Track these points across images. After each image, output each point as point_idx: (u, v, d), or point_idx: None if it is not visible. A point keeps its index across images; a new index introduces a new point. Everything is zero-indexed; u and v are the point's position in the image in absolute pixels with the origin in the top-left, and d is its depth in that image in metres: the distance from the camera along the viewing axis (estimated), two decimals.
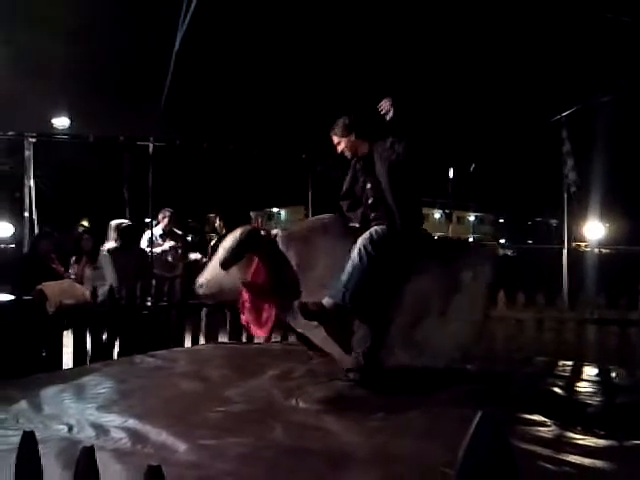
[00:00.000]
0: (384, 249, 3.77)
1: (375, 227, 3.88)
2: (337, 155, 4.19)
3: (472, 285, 3.98)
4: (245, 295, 3.74)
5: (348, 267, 3.74)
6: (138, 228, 7.61)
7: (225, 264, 3.56)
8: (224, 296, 3.72)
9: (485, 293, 4.14)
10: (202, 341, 5.96)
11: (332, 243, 3.89)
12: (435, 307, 3.88)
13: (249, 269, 3.73)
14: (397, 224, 3.88)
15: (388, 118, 3.90)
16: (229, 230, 7.57)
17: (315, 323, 3.75)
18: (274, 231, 3.97)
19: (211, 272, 3.63)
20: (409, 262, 3.90)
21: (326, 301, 3.70)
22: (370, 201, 4.07)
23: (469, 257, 4.19)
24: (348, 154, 4.14)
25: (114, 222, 7.19)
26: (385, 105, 3.92)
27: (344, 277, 3.73)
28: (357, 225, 4.09)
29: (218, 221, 7.82)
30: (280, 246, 3.84)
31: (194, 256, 7.91)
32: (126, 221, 7.34)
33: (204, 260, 7.63)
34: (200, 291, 3.60)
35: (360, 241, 3.78)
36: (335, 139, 4.14)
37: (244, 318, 3.78)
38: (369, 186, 4.06)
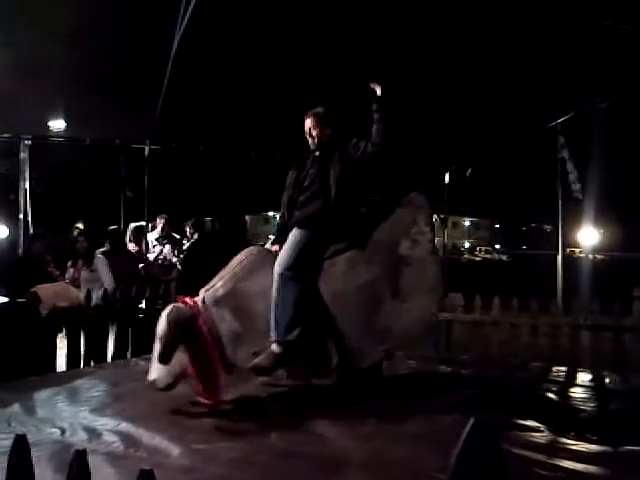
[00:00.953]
0: (299, 268, 3.71)
1: (284, 250, 3.82)
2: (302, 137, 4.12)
3: (414, 253, 3.85)
4: (193, 370, 3.66)
5: (275, 304, 3.68)
6: (141, 230, 7.61)
7: (164, 360, 3.50)
8: (181, 378, 3.65)
9: (432, 255, 3.92)
10: None
11: (260, 281, 3.77)
12: (385, 293, 3.79)
13: (188, 348, 3.64)
14: (312, 228, 3.83)
15: (377, 94, 3.86)
16: (224, 232, 7.59)
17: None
18: (200, 295, 3.78)
19: (157, 367, 3.54)
20: (337, 262, 3.85)
21: (274, 348, 3.65)
22: (304, 197, 3.97)
23: (400, 224, 3.96)
24: (313, 143, 4.06)
25: (132, 225, 7.22)
26: (376, 85, 3.90)
27: (277, 315, 3.67)
28: (275, 248, 4.01)
29: (189, 229, 7.78)
30: (210, 312, 3.68)
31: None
32: (143, 223, 7.37)
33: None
34: (160, 387, 3.53)
35: (275, 274, 3.71)
36: (309, 122, 4.06)
37: (197, 389, 3.70)
38: (307, 183, 3.98)
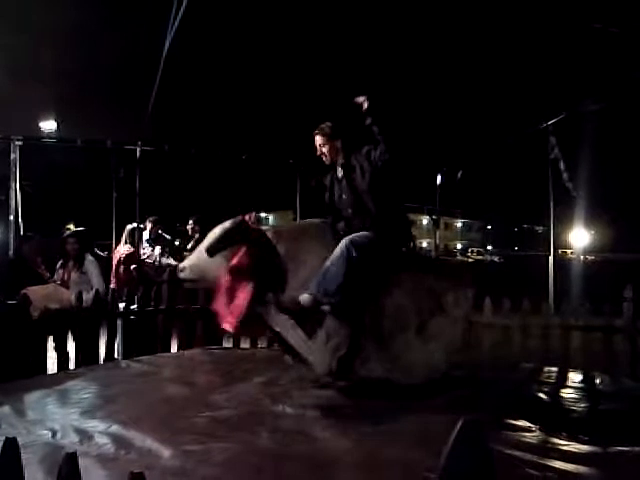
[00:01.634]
0: (366, 253, 3.76)
1: (359, 233, 3.89)
2: (317, 157, 4.17)
3: (453, 310, 4.01)
4: (223, 282, 3.69)
5: (328, 266, 3.73)
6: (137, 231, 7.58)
7: (211, 250, 3.55)
8: (204, 282, 3.70)
9: (464, 318, 4.17)
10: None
11: (319, 246, 3.89)
12: (413, 324, 3.89)
13: (233, 258, 3.70)
14: (379, 232, 3.89)
15: (363, 109, 3.91)
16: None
17: (292, 323, 3.75)
18: (264, 227, 3.97)
19: (195, 258, 3.61)
20: (391, 273, 3.91)
21: (303, 297, 3.68)
22: (349, 211, 4.07)
23: (454, 281, 4.23)
24: (327, 159, 4.12)
25: (128, 226, 7.21)
26: (360, 99, 3.93)
27: (323, 275, 3.71)
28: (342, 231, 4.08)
29: (191, 226, 7.84)
30: (267, 244, 3.83)
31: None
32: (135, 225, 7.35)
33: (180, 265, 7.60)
34: (181, 275, 3.57)
35: (343, 242, 3.77)
36: (319, 140, 4.12)
37: (215, 304, 3.72)
38: (344, 197, 4.08)
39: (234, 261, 3.70)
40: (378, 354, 3.85)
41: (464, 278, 4.50)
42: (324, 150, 4.10)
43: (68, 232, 7.08)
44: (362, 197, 3.98)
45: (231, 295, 3.67)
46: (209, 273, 3.67)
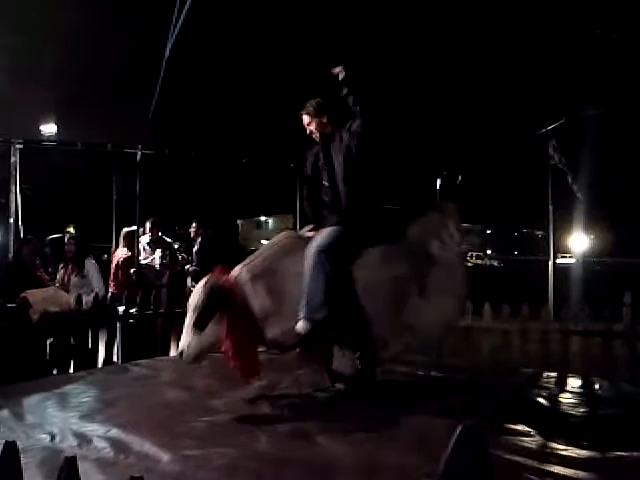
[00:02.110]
0: (338, 254, 3.73)
1: (324, 233, 3.86)
2: (305, 135, 4.15)
3: (443, 254, 3.97)
4: (228, 343, 3.66)
5: (307, 284, 3.70)
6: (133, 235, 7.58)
7: (199, 325, 3.51)
8: (209, 351, 3.66)
9: (459, 258, 4.13)
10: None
11: (293, 263, 3.81)
12: (412, 289, 3.87)
13: (223, 320, 3.66)
14: (347, 212, 3.88)
15: (340, 78, 3.91)
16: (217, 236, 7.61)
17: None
18: (235, 270, 3.86)
19: (187, 336, 3.55)
20: (372, 253, 3.89)
21: (300, 327, 3.65)
22: (326, 184, 4.03)
23: (432, 226, 4.13)
24: (317, 135, 4.09)
25: (125, 230, 7.21)
26: (337, 70, 3.94)
27: (307, 295, 3.68)
28: (310, 234, 4.04)
29: (194, 228, 7.87)
30: (245, 288, 3.74)
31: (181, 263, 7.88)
32: (134, 228, 7.35)
33: (190, 269, 7.62)
34: (184, 359, 3.53)
35: (313, 252, 3.73)
36: (306, 119, 4.10)
37: (232, 364, 3.70)
38: (326, 169, 4.04)
39: (226, 330, 3.64)
40: (392, 334, 3.84)
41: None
42: (312, 128, 4.08)
43: (67, 235, 7.08)
44: (336, 174, 3.96)
45: (242, 356, 3.64)
46: (207, 344, 3.61)
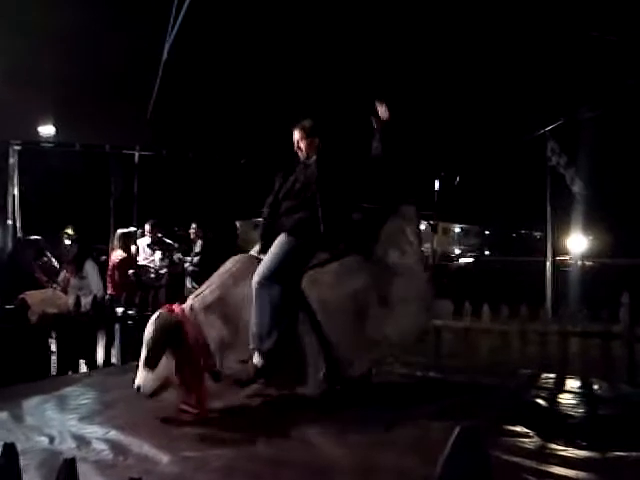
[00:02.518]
0: (279, 276, 3.70)
1: (266, 257, 3.81)
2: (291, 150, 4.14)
3: (402, 262, 3.87)
4: (178, 378, 3.64)
5: (254, 315, 3.66)
6: (129, 236, 7.58)
7: (150, 365, 3.50)
8: (167, 386, 3.63)
9: (420, 265, 3.93)
10: None
11: (249, 290, 3.73)
12: (373, 301, 3.78)
13: (174, 354, 3.59)
14: (297, 232, 3.83)
15: (382, 118, 3.93)
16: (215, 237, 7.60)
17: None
18: (187, 302, 3.79)
19: (143, 375, 3.52)
20: (326, 268, 3.84)
21: (255, 361, 3.64)
22: (297, 194, 3.96)
23: (390, 234, 3.99)
24: (303, 154, 4.06)
25: (119, 231, 7.20)
26: (383, 106, 3.95)
27: (256, 327, 3.65)
28: (260, 256, 3.95)
29: (194, 230, 7.89)
30: (199, 319, 3.68)
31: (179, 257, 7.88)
32: (131, 229, 7.35)
33: (190, 268, 7.63)
34: (145, 394, 3.51)
35: (254, 283, 3.69)
36: (297, 135, 4.07)
37: (182, 400, 3.67)
38: (302, 181, 3.97)
39: (176, 362, 3.62)
40: (356, 348, 3.77)
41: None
42: (301, 145, 4.06)
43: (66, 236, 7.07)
44: (318, 194, 3.86)
45: (190, 388, 3.61)
46: (164, 379, 3.58)
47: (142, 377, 3.48)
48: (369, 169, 4.03)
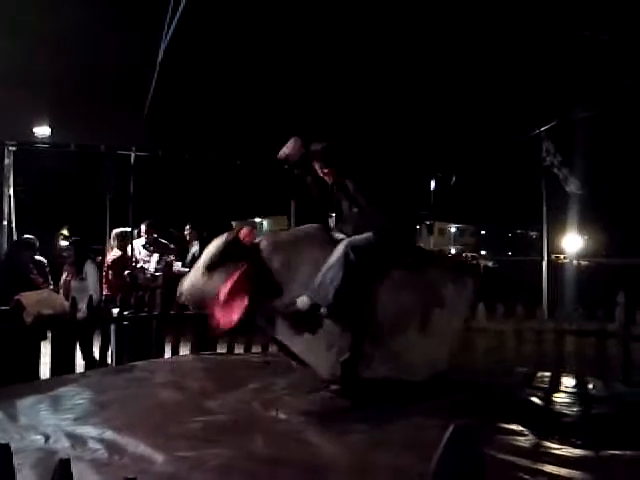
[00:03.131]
0: (365, 256, 3.76)
1: (360, 235, 3.89)
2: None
3: (453, 301, 3.97)
4: (220, 297, 3.66)
5: (325, 270, 3.73)
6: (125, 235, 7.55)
7: (209, 268, 3.56)
8: (206, 303, 3.68)
9: (466, 309, 4.14)
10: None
11: (316, 252, 3.86)
12: (414, 320, 3.86)
13: (231, 276, 3.69)
14: (381, 235, 3.89)
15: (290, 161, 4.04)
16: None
17: (293, 331, 3.74)
18: (259, 238, 3.95)
19: (192, 279, 3.61)
20: (390, 273, 3.91)
21: (300, 300, 3.68)
22: (354, 211, 4.06)
23: (452, 271, 4.17)
24: (329, 179, 4.12)
25: (115, 231, 7.19)
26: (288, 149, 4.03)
27: (320, 279, 3.71)
28: (342, 236, 4.05)
29: (188, 232, 7.91)
30: (264, 253, 3.82)
31: (177, 267, 7.87)
32: (128, 229, 7.34)
33: (185, 270, 7.62)
34: (182, 299, 3.57)
35: (342, 245, 3.77)
36: (317, 165, 4.12)
37: (215, 315, 3.69)
38: (345, 203, 4.10)
39: (231, 280, 3.66)
40: (379, 354, 3.82)
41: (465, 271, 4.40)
42: (323, 173, 4.10)
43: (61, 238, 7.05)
44: (362, 205, 4.00)
45: (228, 307, 3.64)
46: (209, 293, 3.64)
47: (189, 283, 3.56)
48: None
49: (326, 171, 4.08)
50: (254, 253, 3.77)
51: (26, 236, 6.65)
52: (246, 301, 3.62)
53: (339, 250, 3.76)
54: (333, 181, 4.11)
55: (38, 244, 6.63)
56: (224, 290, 3.62)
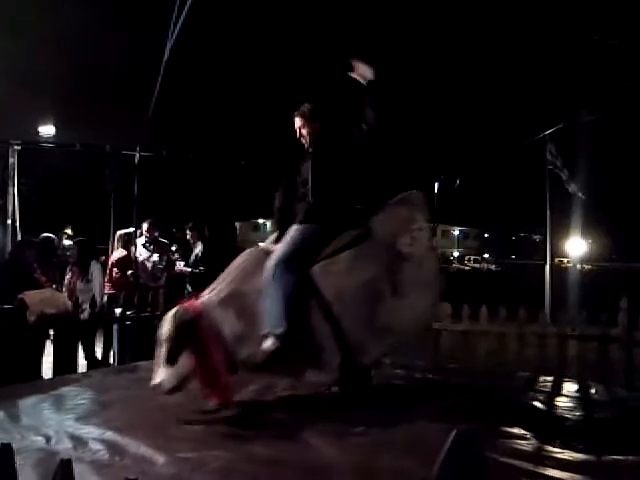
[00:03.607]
0: (294, 260, 3.68)
1: (281, 243, 3.81)
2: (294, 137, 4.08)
3: (413, 249, 3.83)
4: (199, 372, 3.64)
5: (265, 300, 3.65)
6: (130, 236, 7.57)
7: (170, 361, 3.50)
8: (186, 381, 3.63)
9: (430, 252, 3.95)
10: None
11: (260, 282, 3.72)
12: (385, 289, 3.75)
13: (193, 350, 3.59)
14: (315, 207, 3.80)
15: (366, 77, 3.89)
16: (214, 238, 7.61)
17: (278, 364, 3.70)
18: (202, 297, 3.80)
19: (162, 377, 3.52)
20: (339, 257, 3.80)
21: (265, 344, 3.59)
22: (305, 182, 3.93)
23: (399, 221, 3.94)
24: (307, 141, 4.01)
25: (119, 232, 7.19)
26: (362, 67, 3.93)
27: (267, 307, 3.62)
28: (274, 247, 3.92)
29: (190, 232, 7.93)
30: (213, 314, 3.67)
31: (179, 267, 7.88)
32: (131, 230, 7.35)
33: (188, 270, 7.63)
34: (162, 391, 3.51)
35: (268, 265, 3.69)
36: (298, 122, 4.03)
37: (205, 394, 3.67)
38: (307, 168, 3.93)
39: (196, 370, 3.60)
40: (368, 337, 3.76)
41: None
42: (303, 132, 4.00)
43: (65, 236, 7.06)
44: (323, 179, 3.85)
45: (213, 387, 3.62)
46: (183, 376, 3.58)
47: (161, 374, 3.49)
48: (369, 152, 4.00)
49: (305, 131, 3.99)
50: (202, 322, 3.61)
51: (45, 234, 6.64)
52: (224, 375, 3.60)
53: (266, 273, 3.67)
54: (308, 145, 4.02)
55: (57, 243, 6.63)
56: (200, 380, 3.62)
